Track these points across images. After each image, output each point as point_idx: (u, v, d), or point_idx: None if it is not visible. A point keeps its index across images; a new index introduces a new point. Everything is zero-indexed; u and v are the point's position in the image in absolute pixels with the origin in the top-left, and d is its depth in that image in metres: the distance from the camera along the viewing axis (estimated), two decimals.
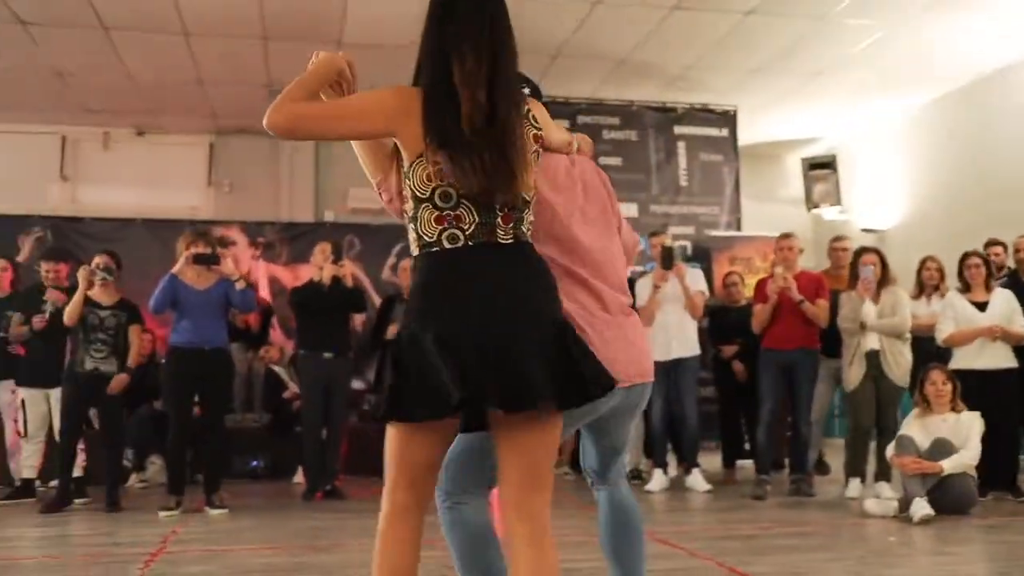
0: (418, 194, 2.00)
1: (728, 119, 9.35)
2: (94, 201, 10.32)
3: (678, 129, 9.23)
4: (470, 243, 2.00)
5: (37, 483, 6.51)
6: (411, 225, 2.05)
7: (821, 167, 10.59)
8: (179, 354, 5.85)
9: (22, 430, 6.45)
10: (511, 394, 1.91)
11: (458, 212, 1.99)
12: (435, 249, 2.00)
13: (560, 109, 8.86)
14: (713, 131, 9.32)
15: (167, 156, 10.57)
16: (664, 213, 9.05)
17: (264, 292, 9.06)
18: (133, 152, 10.51)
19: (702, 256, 8.91)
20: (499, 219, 2.01)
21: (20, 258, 9.18)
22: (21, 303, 6.64)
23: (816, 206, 10.60)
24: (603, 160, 8.94)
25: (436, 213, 1.99)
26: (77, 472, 6.45)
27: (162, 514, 5.64)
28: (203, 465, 6.30)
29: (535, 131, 2.14)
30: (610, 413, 2.32)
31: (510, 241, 2.03)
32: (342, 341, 6.67)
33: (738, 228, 9.21)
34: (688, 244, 9.04)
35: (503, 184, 1.98)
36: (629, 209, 8.95)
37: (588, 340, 2.13)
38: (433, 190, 1.98)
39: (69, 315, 5.98)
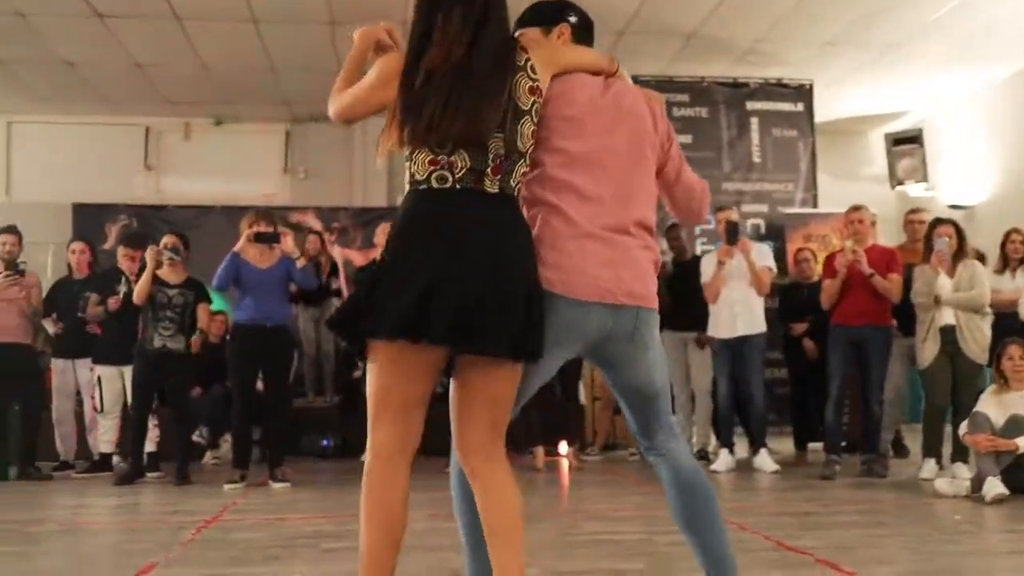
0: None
1: (803, 93, 9.07)
2: (176, 189, 10.64)
3: (751, 104, 8.99)
4: (457, 186, 2.06)
5: (115, 457, 6.72)
6: (406, 166, 2.12)
7: (906, 142, 10.18)
8: (242, 331, 5.98)
9: (99, 406, 6.68)
10: (478, 337, 1.96)
11: (452, 158, 2.06)
12: (423, 187, 2.07)
13: None
14: (787, 106, 9.05)
15: (244, 145, 10.82)
16: (736, 191, 8.83)
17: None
18: (212, 141, 10.79)
19: (775, 234, 8.67)
20: (489, 169, 2.08)
21: (107, 245, 9.55)
22: (98, 285, 6.87)
23: (901, 183, 10.20)
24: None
25: (431, 156, 2.06)
26: (151, 447, 6.67)
27: (227, 487, 5.77)
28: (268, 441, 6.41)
29: (531, 83, 2.14)
30: (604, 339, 2.22)
31: (495, 191, 2.09)
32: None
33: (814, 205, 8.93)
34: (761, 222, 8.81)
35: (460, 129, 2.02)
36: None
37: (562, 248, 2.15)
38: None
39: (138, 294, 6.17)
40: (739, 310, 6.61)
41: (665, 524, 3.84)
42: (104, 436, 6.74)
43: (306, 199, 10.55)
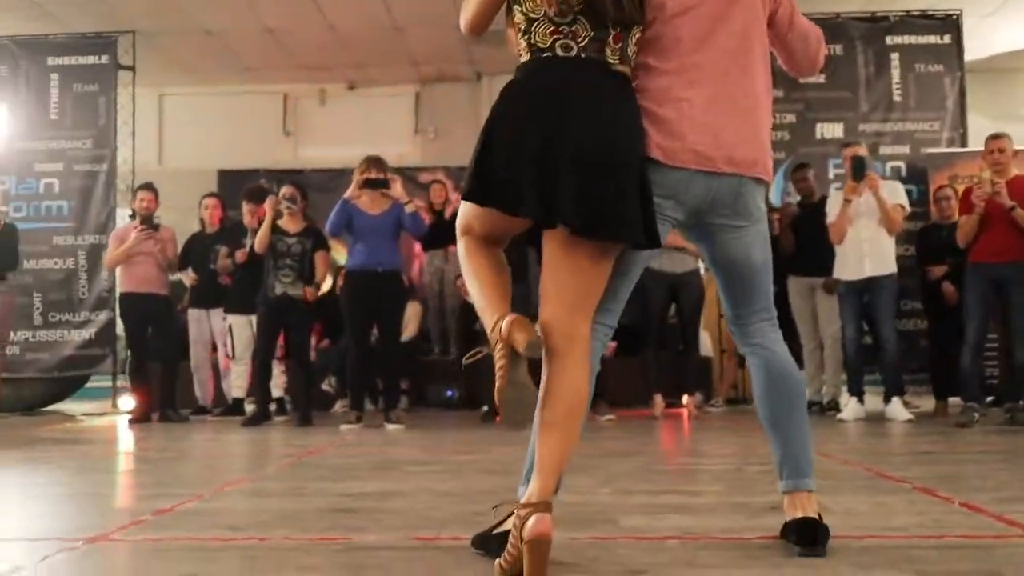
0: (531, 15, 2.03)
1: (950, 24, 8.41)
2: (312, 154, 10.98)
3: (891, 39, 8.40)
4: (582, 55, 2.03)
5: (247, 403, 7.02)
6: (523, 40, 2.07)
7: None
8: (354, 277, 6.11)
9: (230, 353, 7.00)
10: (592, 219, 1.94)
11: (574, 28, 2.02)
12: (547, 54, 2.04)
13: None
14: (933, 39, 8.41)
15: (376, 107, 11.04)
16: (875, 132, 8.29)
17: None
18: (346, 106, 11.06)
19: (917, 176, 8.11)
20: (611, 38, 2.04)
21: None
22: (227, 238, 7.18)
23: None
24: (805, 78, 8.35)
25: (552, 27, 2.03)
26: (278, 393, 6.94)
27: (343, 427, 5.93)
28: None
29: None
30: (704, 210, 2.15)
31: (616, 62, 2.06)
32: (520, 270, 6.68)
33: (962, 145, 8.30)
34: (901, 164, 8.27)
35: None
36: (835, 129, 8.33)
37: (662, 114, 2.10)
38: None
39: (258, 243, 6.40)
40: (867, 250, 6.23)
41: (760, 457, 3.69)
42: (236, 382, 7.06)
43: (436, 159, 10.67)
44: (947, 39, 8.41)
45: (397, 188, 6.12)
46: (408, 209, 6.09)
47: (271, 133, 11.03)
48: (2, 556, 2.21)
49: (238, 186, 10.26)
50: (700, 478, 3.52)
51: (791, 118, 8.34)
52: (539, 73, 2.04)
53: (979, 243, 5.84)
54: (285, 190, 6.56)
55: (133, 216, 7.27)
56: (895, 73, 8.37)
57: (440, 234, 8.08)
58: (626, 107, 2.06)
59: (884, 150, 8.27)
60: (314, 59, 10.12)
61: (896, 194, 6.38)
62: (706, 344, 8.68)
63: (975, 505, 2.73)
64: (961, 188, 7.32)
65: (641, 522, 2.57)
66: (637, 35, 2.09)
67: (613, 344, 7.97)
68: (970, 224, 5.86)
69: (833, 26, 8.42)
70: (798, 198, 7.17)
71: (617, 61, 2.05)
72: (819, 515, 2.17)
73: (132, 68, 8.69)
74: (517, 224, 2.07)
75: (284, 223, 6.51)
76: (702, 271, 6.95)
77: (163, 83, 10.82)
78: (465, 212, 2.12)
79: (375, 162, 6.23)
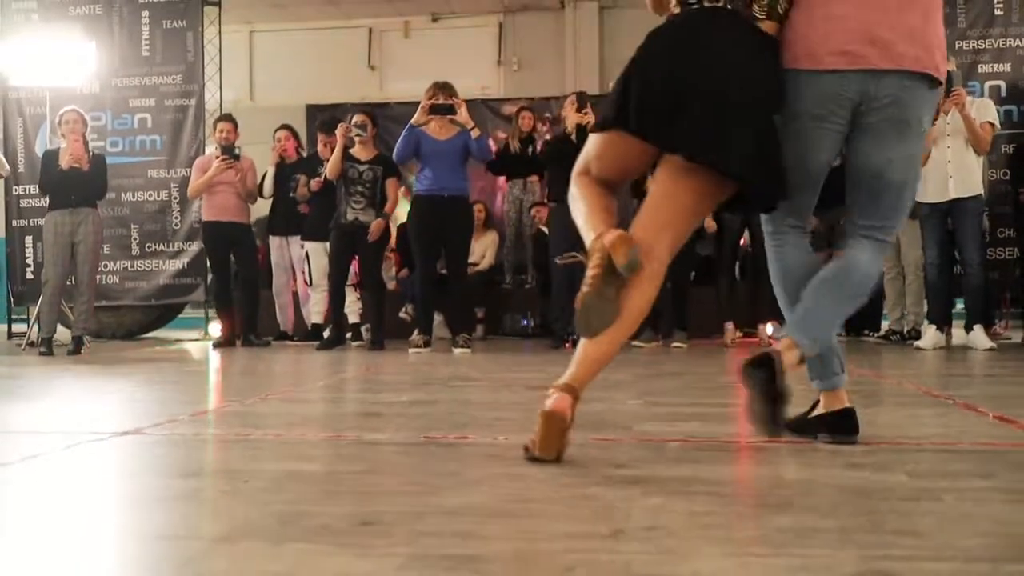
0: None
1: None
2: (397, 87, 11.06)
3: None
4: (728, 6, 2.10)
5: (326, 328, 7.21)
6: None
7: None
8: (422, 201, 6.18)
9: (308, 279, 7.20)
10: (706, 147, 2.01)
11: None
12: (696, 6, 2.11)
13: None
14: None
15: (460, 39, 11.02)
16: (973, 49, 7.84)
17: None
18: (430, 38, 11.08)
19: (1019, 96, 7.66)
20: None
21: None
22: (305, 167, 7.33)
23: None
24: None
25: None
26: (354, 318, 7.12)
27: (411, 351, 6.06)
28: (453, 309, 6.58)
29: None
30: (864, 112, 2.10)
31: (763, 17, 2.12)
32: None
33: None
34: (1002, 84, 7.81)
35: None
36: None
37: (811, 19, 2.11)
38: None
39: (331, 170, 6.52)
40: (952, 171, 5.94)
41: (797, 377, 3.63)
42: (315, 308, 7.26)
43: (519, 90, 10.60)
44: None
45: (463, 114, 6.11)
46: (474, 134, 6.10)
47: (357, 67, 11.16)
48: (31, 445, 2.36)
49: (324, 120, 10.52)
50: (734, 393, 3.47)
51: None
52: (686, 20, 2.10)
53: None
54: (357, 117, 6.64)
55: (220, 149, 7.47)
56: None
57: (524, 163, 8.11)
58: (763, 58, 2.09)
59: (983, 68, 7.81)
60: None
61: (986, 112, 6.05)
62: None
63: (1009, 418, 2.62)
64: None
65: (653, 427, 2.57)
66: None
67: (692, 273, 7.90)
68: None
69: None
70: None
71: (764, 17, 2.10)
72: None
73: (218, 3, 8.87)
74: (636, 164, 2.17)
75: (356, 151, 6.60)
76: None
77: (253, 19, 11.03)
78: (588, 151, 2.17)
79: (442, 87, 6.23)
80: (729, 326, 6.71)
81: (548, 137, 6.96)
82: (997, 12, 7.85)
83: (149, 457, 2.24)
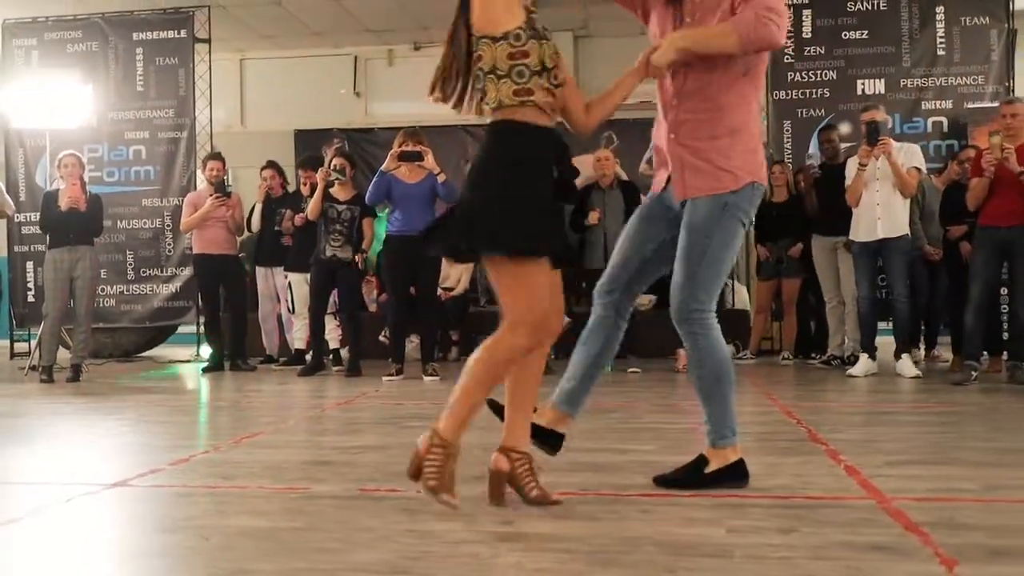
0: None
1: None
2: (382, 113, 11.58)
3: None
4: None
5: (307, 353, 7.74)
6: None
7: None
8: (394, 241, 6.70)
9: (291, 307, 7.72)
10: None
11: None
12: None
13: None
14: None
15: (432, 65, 11.49)
16: (917, 87, 8.36)
17: None
18: (412, 66, 11.56)
19: (958, 131, 8.18)
20: None
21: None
22: (290, 202, 7.85)
23: None
24: (847, 34, 8.46)
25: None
26: (334, 344, 7.64)
27: (384, 379, 6.58)
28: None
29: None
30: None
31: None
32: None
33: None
34: (944, 120, 8.32)
35: None
36: (876, 85, 8.42)
37: None
38: None
39: (311, 211, 7.04)
40: (880, 212, 6.46)
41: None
42: (297, 334, 7.80)
43: None
44: None
45: (430, 159, 6.62)
46: (440, 179, 6.61)
47: (343, 94, 11.67)
48: (37, 496, 2.88)
49: (313, 145, 11.01)
50: (643, 436, 3.99)
51: (831, 75, 8.49)
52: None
53: (988, 206, 6.02)
54: (336, 161, 7.15)
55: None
56: (940, 27, 8.40)
57: None
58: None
59: (926, 105, 8.37)
60: (381, 23, 10.67)
61: (912, 157, 6.56)
62: (743, 298, 9.01)
63: (856, 468, 3.14)
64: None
65: (553, 479, 3.07)
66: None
67: (652, 297, 8.41)
68: (980, 188, 6.04)
69: None
70: (821, 159, 7.37)
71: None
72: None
73: (208, 40, 9.37)
74: None
75: (335, 191, 7.11)
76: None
77: (244, 48, 11.53)
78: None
79: (411, 134, 6.75)
80: (680, 352, 7.21)
81: None
82: (940, 52, 8.39)
83: (132, 511, 2.76)
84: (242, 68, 11.92)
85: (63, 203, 6.86)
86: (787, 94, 8.52)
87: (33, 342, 9.26)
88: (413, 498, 2.76)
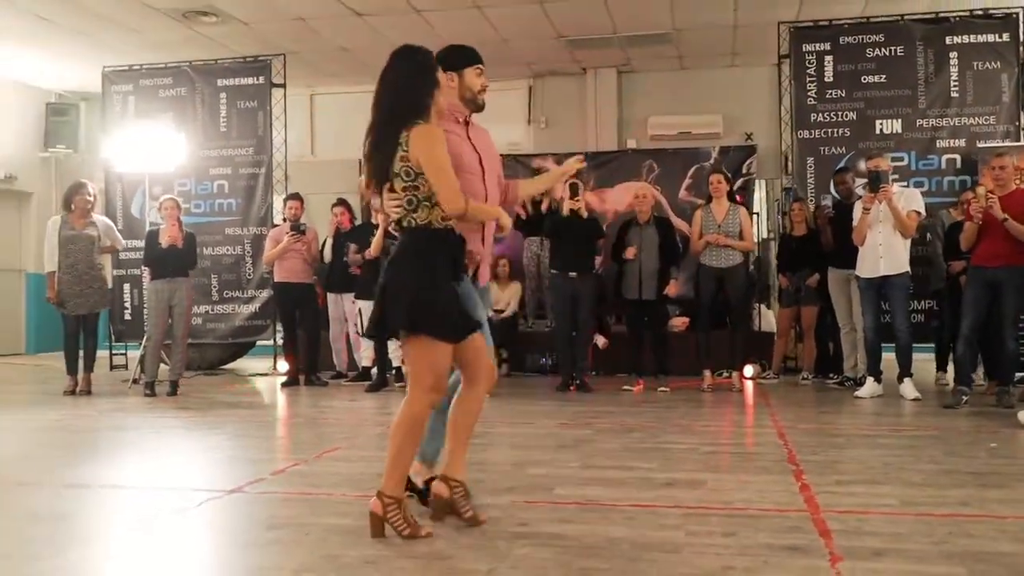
0: None
1: (1009, 23, 8.95)
2: None
3: (950, 39, 9.03)
4: None
5: (374, 370, 8.71)
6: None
7: None
8: None
9: (360, 331, 8.69)
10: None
11: None
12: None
13: (821, 33, 9.22)
14: (991, 37, 8.99)
15: (494, 100, 12.13)
16: (932, 127, 9.03)
17: None
18: None
19: (971, 168, 8.83)
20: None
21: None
22: (358, 234, 8.83)
23: None
24: (865, 78, 9.16)
25: None
26: (397, 363, 8.59)
27: None
28: None
29: (402, 153, 3.23)
30: None
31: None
32: (588, 263, 8.04)
33: (1017, 138, 8.91)
34: (957, 157, 8.97)
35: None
36: (894, 125, 9.11)
37: None
38: None
39: (373, 249, 8.00)
40: (882, 252, 7.19)
41: (715, 437, 5.02)
42: (364, 353, 8.77)
43: (546, 146, 11.99)
44: (1006, 37, 9.01)
45: None
46: None
47: None
48: (174, 500, 3.85)
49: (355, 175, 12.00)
50: (650, 455, 4.83)
51: (851, 115, 9.19)
52: None
53: (978, 248, 6.73)
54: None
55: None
56: (953, 71, 9.06)
57: (537, 224, 9.52)
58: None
59: (941, 143, 9.03)
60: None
61: (913, 201, 7.27)
62: (770, 321, 9.76)
63: (809, 486, 3.96)
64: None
65: (567, 491, 3.95)
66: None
67: (687, 319, 9.23)
68: (970, 232, 6.75)
69: (895, 29, 9.22)
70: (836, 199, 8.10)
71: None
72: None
73: (283, 86, 10.41)
74: None
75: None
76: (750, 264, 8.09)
77: (314, 84, 12.59)
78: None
79: None
80: (706, 373, 8.02)
81: (558, 200, 8.35)
82: (954, 94, 9.05)
83: (248, 512, 3.71)
84: (312, 103, 12.97)
85: (163, 241, 7.92)
86: (810, 133, 9.24)
87: (130, 353, 10.46)
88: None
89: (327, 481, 4.19)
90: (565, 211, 7.93)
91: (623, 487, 4.05)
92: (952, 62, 9.07)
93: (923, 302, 8.67)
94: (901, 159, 8.99)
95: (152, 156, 9.39)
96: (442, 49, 3.64)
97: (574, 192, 7.96)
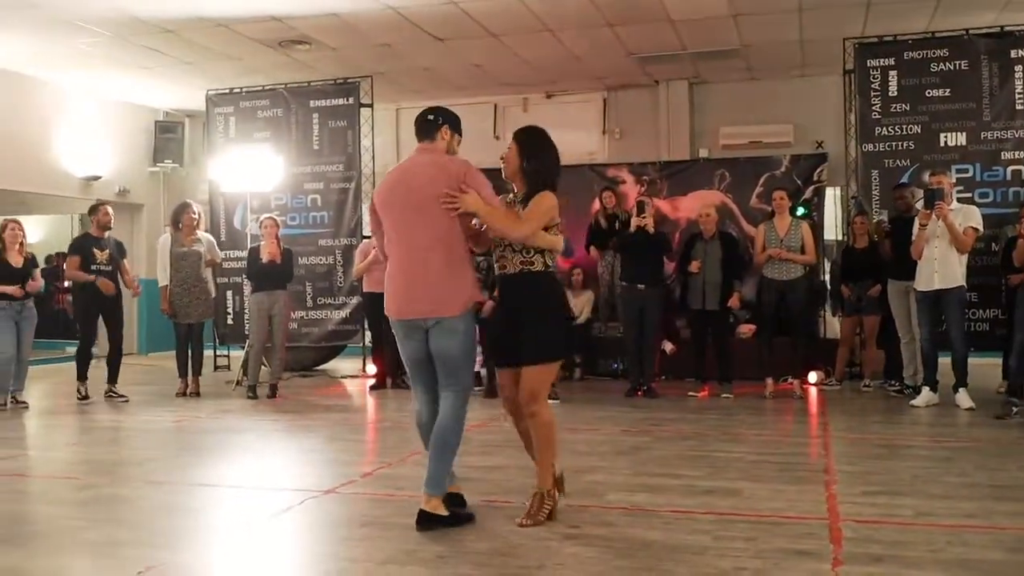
0: None
1: None
2: None
3: (1015, 53, 9.20)
4: None
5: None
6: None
7: None
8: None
9: None
10: None
11: None
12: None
13: (885, 48, 9.49)
14: None
15: (570, 112, 12.98)
16: (996, 139, 9.20)
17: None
18: (545, 112, 13.06)
19: None
20: None
21: None
22: None
23: None
24: (930, 92, 9.38)
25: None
26: (477, 367, 9.22)
27: None
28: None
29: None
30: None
31: None
32: (657, 275, 8.54)
33: None
34: (1022, 168, 9.13)
35: None
36: (958, 138, 9.31)
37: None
38: None
39: None
40: (937, 267, 7.49)
41: (763, 446, 5.49)
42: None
43: (621, 156, 12.45)
44: None
45: None
46: None
47: (484, 138, 13.23)
48: (281, 499, 4.52)
49: None
50: (699, 463, 5.32)
51: (916, 128, 9.42)
52: None
53: None
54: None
55: None
56: (1018, 84, 9.22)
57: (609, 237, 10.02)
58: None
59: (1005, 155, 9.20)
60: (515, 79, 12.18)
61: (970, 218, 7.54)
62: (835, 330, 10.07)
63: (836, 495, 4.42)
64: None
65: (617, 497, 4.49)
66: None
67: (753, 326, 9.62)
68: (1021, 249, 7.02)
69: (959, 43, 9.41)
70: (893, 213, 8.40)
71: None
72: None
73: (371, 105, 11.12)
74: None
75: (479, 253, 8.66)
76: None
77: (399, 100, 13.30)
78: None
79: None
80: (768, 380, 8.42)
81: (636, 205, 8.77)
82: (1018, 107, 9.23)
83: (341, 511, 4.36)
84: (398, 117, 13.66)
85: (264, 257, 8.69)
86: (875, 146, 9.51)
87: (232, 353, 11.36)
88: (519, 508, 4.22)
89: (409, 484, 4.80)
90: (632, 227, 8.41)
91: (667, 494, 4.57)
92: (1017, 75, 9.22)
93: (988, 311, 8.90)
94: (966, 171, 9.19)
95: (251, 175, 10.20)
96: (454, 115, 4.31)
97: (640, 209, 8.43)
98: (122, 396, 8.52)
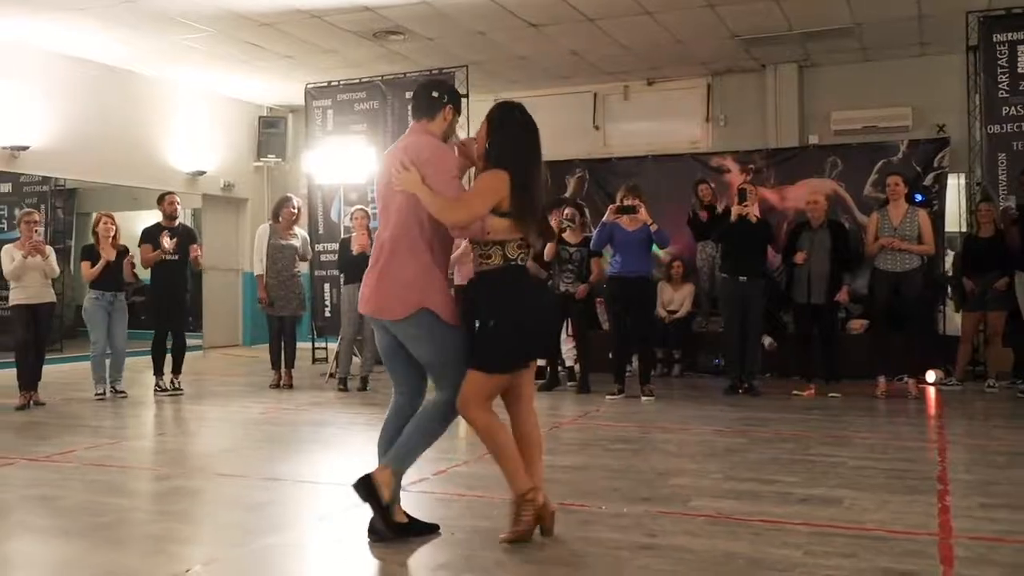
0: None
1: None
2: (618, 143, 12.73)
3: None
4: None
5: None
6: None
7: None
8: (613, 282, 7.89)
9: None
10: None
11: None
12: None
13: (1013, 21, 8.77)
14: None
15: (672, 100, 12.53)
16: None
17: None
18: (646, 100, 12.67)
19: None
20: None
21: (567, 195, 11.94)
22: None
23: None
24: None
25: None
26: (570, 363, 8.93)
27: (607, 398, 7.79)
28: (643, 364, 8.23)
29: None
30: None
31: None
32: (759, 266, 8.08)
33: None
34: None
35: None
36: None
37: None
38: None
39: (548, 254, 8.34)
40: None
41: (869, 451, 5.05)
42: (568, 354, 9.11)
43: (725, 144, 11.94)
44: None
45: (643, 212, 7.72)
46: (652, 228, 7.70)
47: (584, 127, 12.93)
48: (346, 496, 4.34)
49: (557, 175, 12.35)
50: (795, 468, 4.91)
51: None
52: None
53: None
54: (567, 211, 8.43)
55: None
56: None
57: (710, 228, 9.58)
58: None
59: None
60: (615, 67, 11.83)
61: None
62: (956, 325, 9.37)
63: (950, 508, 3.96)
64: None
65: (702, 503, 4.15)
66: None
67: (865, 321, 9.04)
68: None
69: None
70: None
71: None
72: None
73: (467, 96, 10.93)
74: None
75: (567, 236, 8.40)
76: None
77: (496, 89, 13.08)
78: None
79: (631, 189, 7.90)
80: (880, 379, 7.86)
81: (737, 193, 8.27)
82: None
83: (410, 510, 4.14)
84: None
85: (354, 248, 8.61)
86: (1001, 128, 8.80)
87: (330, 345, 11.37)
88: (594, 513, 3.93)
89: (481, 483, 4.58)
90: (733, 216, 7.97)
91: (758, 501, 4.20)
92: None
93: None
94: None
95: (346, 167, 10.17)
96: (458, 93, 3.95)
97: (742, 197, 7.98)
98: (179, 390, 8.58)
